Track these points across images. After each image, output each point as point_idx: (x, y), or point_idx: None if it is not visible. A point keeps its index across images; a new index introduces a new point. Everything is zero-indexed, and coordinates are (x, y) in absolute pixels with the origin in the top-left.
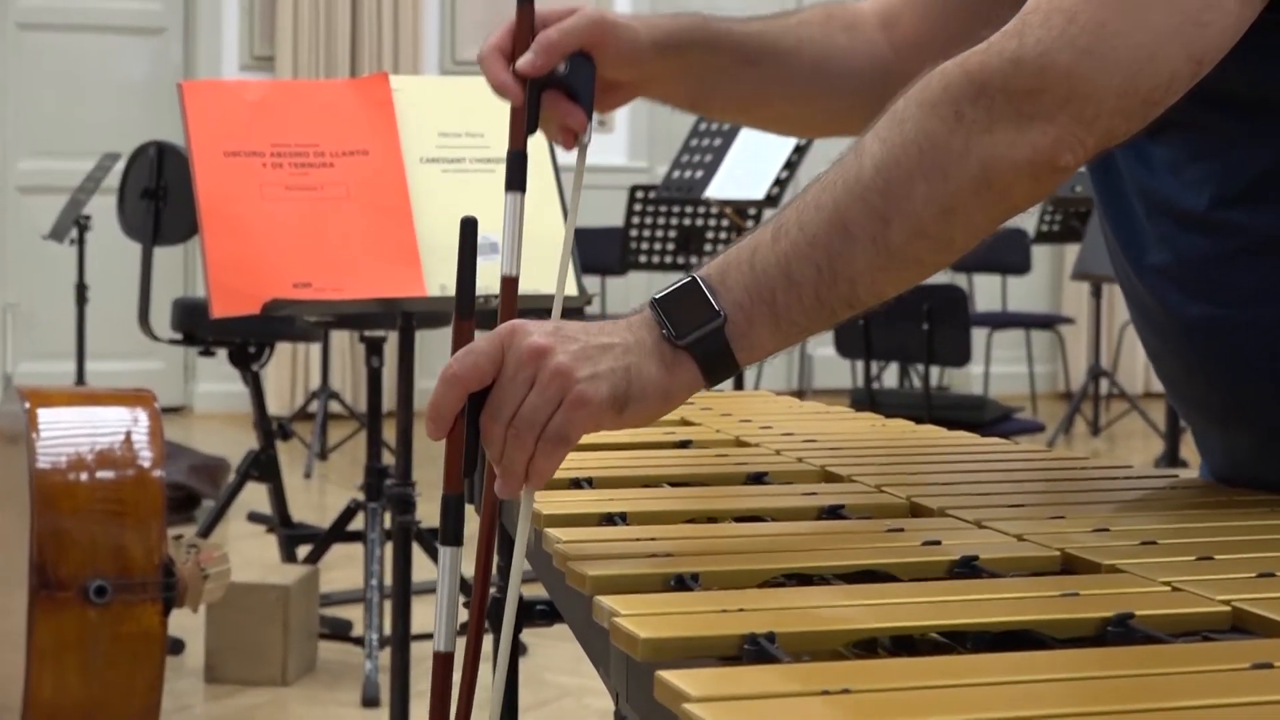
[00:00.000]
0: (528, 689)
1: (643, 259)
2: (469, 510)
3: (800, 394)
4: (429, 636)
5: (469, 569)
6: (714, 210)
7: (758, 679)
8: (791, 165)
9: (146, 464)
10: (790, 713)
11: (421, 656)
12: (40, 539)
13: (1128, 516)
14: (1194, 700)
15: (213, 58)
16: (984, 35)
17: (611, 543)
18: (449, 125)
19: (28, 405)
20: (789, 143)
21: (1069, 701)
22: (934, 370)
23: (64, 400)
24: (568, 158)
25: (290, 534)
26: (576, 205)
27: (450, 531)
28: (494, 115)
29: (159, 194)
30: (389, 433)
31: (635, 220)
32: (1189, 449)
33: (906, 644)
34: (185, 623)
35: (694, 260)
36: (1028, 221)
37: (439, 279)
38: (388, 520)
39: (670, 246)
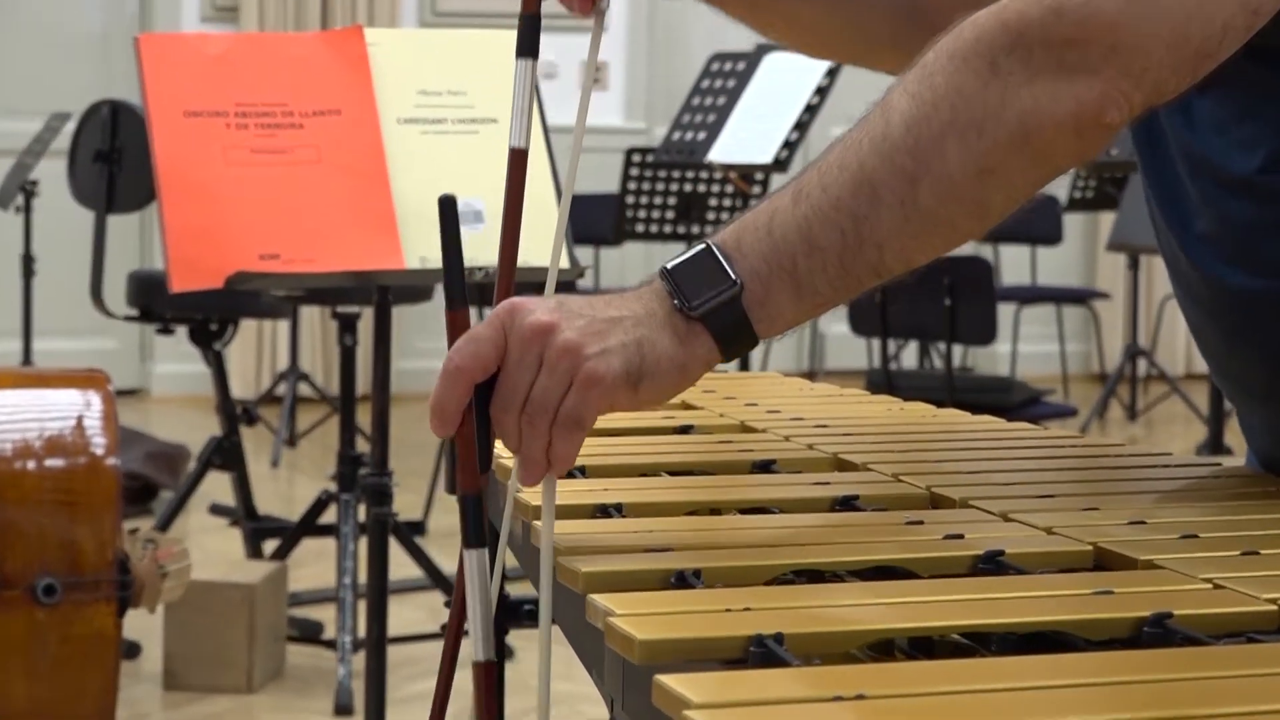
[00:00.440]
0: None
1: (640, 228)
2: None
3: (811, 375)
4: (406, 639)
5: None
6: (717, 175)
7: (764, 683)
8: (802, 126)
9: (100, 451)
10: None
11: (398, 661)
12: None
13: (1167, 508)
14: (1238, 707)
15: (171, 9)
16: None
17: (606, 536)
18: (429, 83)
19: None
20: (799, 102)
21: (1102, 708)
22: (956, 349)
23: (9, 382)
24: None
25: (256, 527)
26: (587, 98)
27: (472, 533)
28: (478, 72)
29: (113, 157)
30: (364, 418)
31: (632, 186)
32: (1234, 435)
33: (926, 646)
34: (141, 624)
35: (695, 230)
36: (1059, 188)
37: (418, 250)
38: (362, 513)
39: (670, 215)
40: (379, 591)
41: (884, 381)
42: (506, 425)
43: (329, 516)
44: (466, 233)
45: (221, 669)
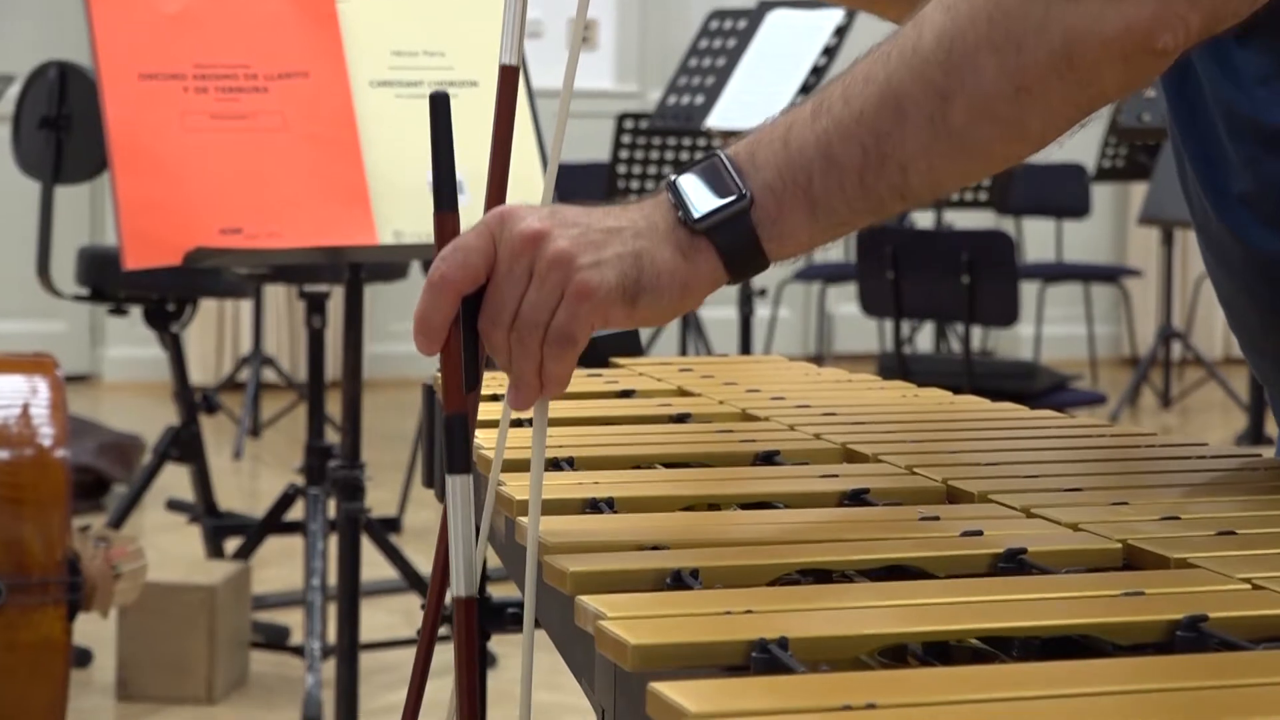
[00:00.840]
0: (497, 707)
1: (633, 200)
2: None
3: (818, 359)
4: (380, 645)
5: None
6: (716, 143)
7: (768, 692)
8: (808, 89)
9: (47, 443)
10: None
11: (372, 669)
12: None
13: (1202, 502)
14: (1277, 716)
15: None
16: None
17: (597, 533)
18: (404, 42)
19: None
20: (805, 63)
21: (1131, 717)
22: (976, 331)
23: None
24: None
25: (217, 525)
26: (575, 58)
27: (458, 457)
28: (457, 31)
29: (61, 124)
30: (333, 406)
31: (624, 154)
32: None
33: (942, 651)
34: (93, 630)
35: None
36: (1087, 155)
37: (392, 224)
38: (332, 509)
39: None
40: (350, 594)
41: (897, 366)
42: (495, 341)
43: (296, 513)
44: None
45: (180, 678)
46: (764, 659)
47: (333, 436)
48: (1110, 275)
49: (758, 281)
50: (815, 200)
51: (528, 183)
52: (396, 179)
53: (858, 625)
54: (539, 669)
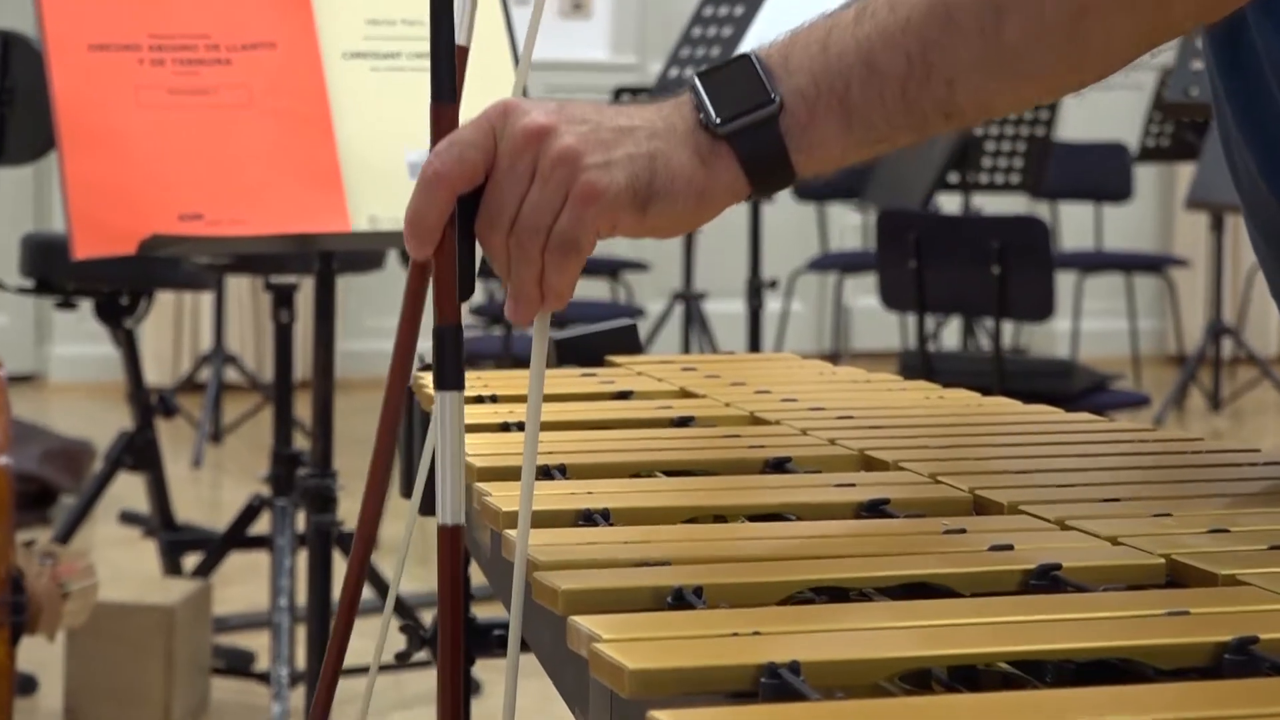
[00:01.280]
0: None
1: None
2: (403, 509)
3: (834, 357)
4: (354, 672)
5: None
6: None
7: None
8: None
9: None
10: None
11: (345, 698)
12: None
13: (1254, 514)
14: None
15: None
16: None
17: (591, 548)
18: (379, 10)
19: None
20: None
21: None
22: (1007, 326)
23: None
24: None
25: (174, 539)
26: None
27: (449, 373)
28: None
29: (3, 99)
30: (302, 408)
31: None
32: None
33: (968, 676)
34: (39, 654)
35: None
36: (1129, 134)
37: (367, 208)
38: (301, 522)
39: None
40: (321, 615)
41: (920, 364)
42: (493, 246)
43: (261, 526)
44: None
45: (133, 706)
46: (774, 685)
47: (302, 442)
48: (1154, 265)
49: (768, 272)
50: (851, 110)
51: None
52: (372, 160)
53: (877, 648)
54: (528, 696)
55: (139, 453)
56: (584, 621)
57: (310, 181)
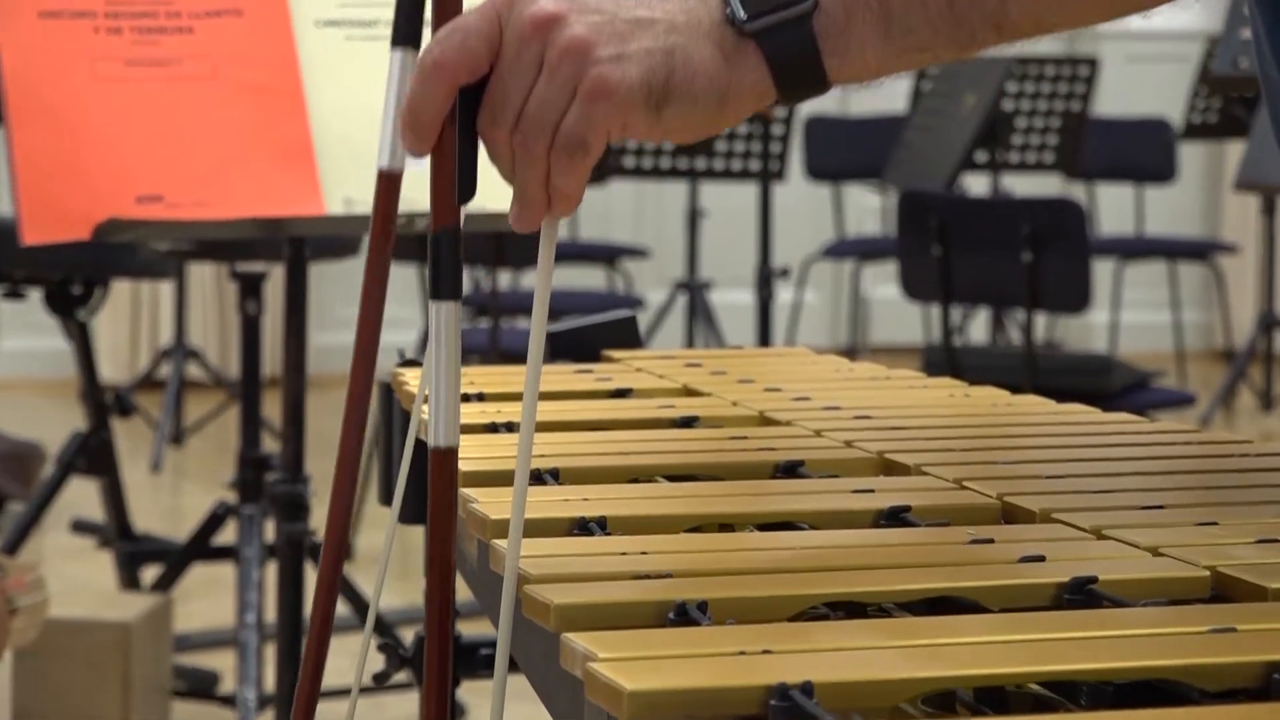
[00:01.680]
0: None
1: (629, 162)
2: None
3: (851, 352)
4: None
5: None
6: None
7: None
8: None
9: None
10: None
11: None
12: None
13: None
14: None
15: None
16: None
17: (587, 559)
18: None
19: None
20: None
21: None
22: (1039, 318)
23: None
24: None
25: (132, 550)
26: None
27: (444, 280)
28: None
29: None
30: (271, 408)
31: None
32: None
33: (996, 699)
34: None
35: (701, 165)
36: (1173, 109)
37: (342, 190)
38: (270, 531)
39: (668, 145)
40: (291, 633)
41: (945, 360)
42: (496, 143)
43: (227, 536)
44: (413, 166)
45: None
46: (784, 708)
47: (271, 444)
48: (1200, 251)
49: (779, 259)
50: (891, 15)
51: None
52: (347, 137)
53: (897, 668)
54: (518, 717)
55: (93, 455)
56: (578, 639)
57: (280, 160)
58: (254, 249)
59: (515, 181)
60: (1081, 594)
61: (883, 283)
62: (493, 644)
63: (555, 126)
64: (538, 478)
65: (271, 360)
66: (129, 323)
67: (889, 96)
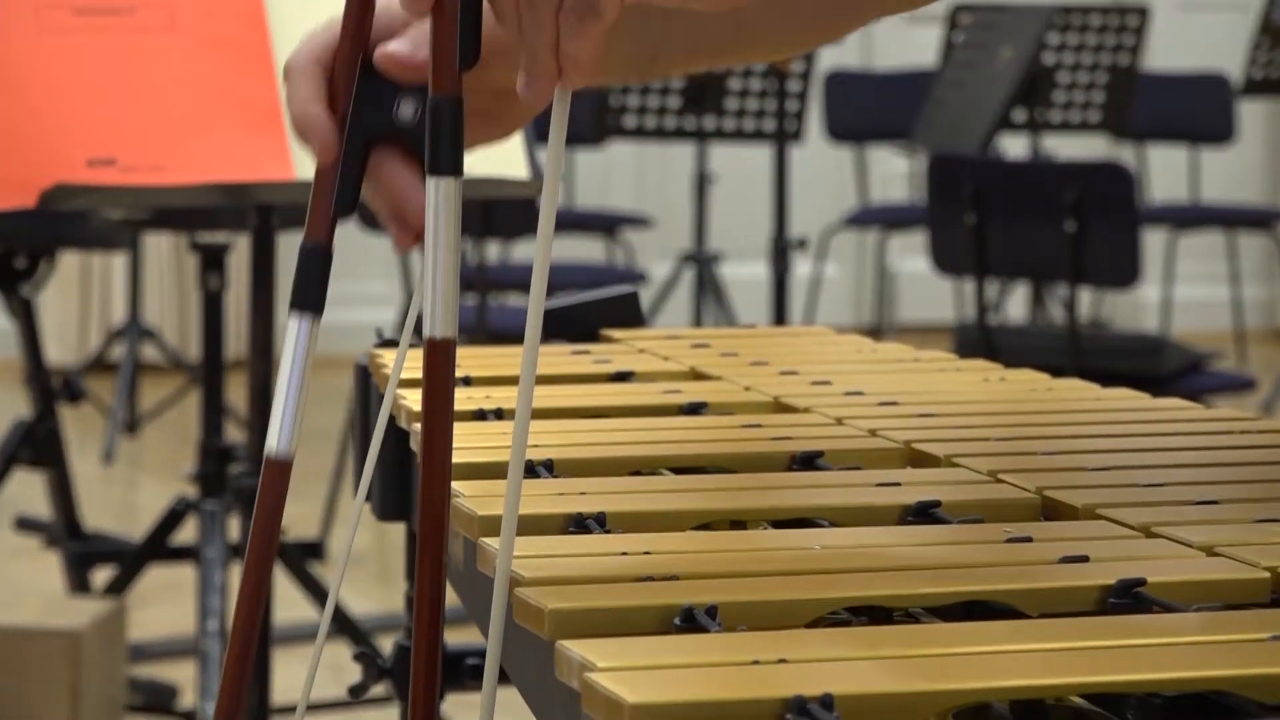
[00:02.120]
0: None
1: (629, 122)
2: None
3: (876, 331)
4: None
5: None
6: None
7: None
8: None
9: None
10: None
11: None
12: None
13: None
14: None
15: None
16: None
17: (584, 560)
18: None
19: None
20: None
21: None
22: (1084, 294)
23: None
24: None
25: (82, 550)
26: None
27: (446, 155)
28: None
29: None
30: (235, 393)
31: None
32: None
33: (1036, 712)
34: None
35: (709, 125)
36: (1231, 63)
37: None
38: (235, 529)
39: (673, 103)
40: (259, 641)
41: (979, 340)
42: (501, 4)
43: (186, 534)
44: None
45: None
46: None
47: (235, 433)
48: (1262, 220)
49: (796, 229)
50: None
51: None
52: None
53: (925, 679)
54: None
55: (38, 445)
56: (575, 647)
57: (246, 121)
58: (217, 218)
59: (523, 48)
60: (1128, 598)
61: (910, 255)
62: (480, 653)
63: None
64: (530, 470)
65: (236, 341)
66: (78, 299)
67: (918, 49)
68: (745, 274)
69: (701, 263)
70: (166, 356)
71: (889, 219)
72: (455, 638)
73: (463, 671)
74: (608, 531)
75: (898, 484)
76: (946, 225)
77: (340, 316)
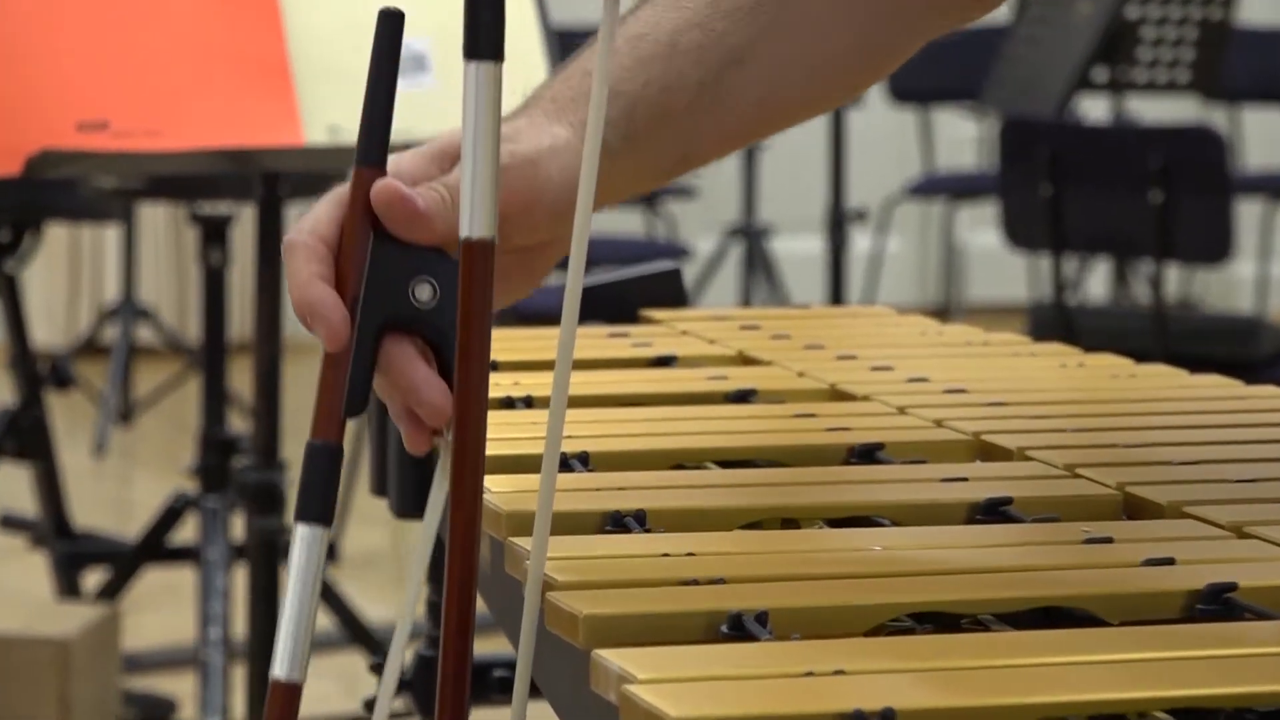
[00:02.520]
0: None
1: None
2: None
3: (943, 312)
4: None
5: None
6: None
7: None
8: None
9: None
10: None
11: None
12: None
13: None
14: None
15: None
16: None
17: (622, 561)
18: None
19: None
20: None
21: None
22: (1171, 271)
23: None
24: None
25: (71, 551)
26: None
27: (487, 43)
28: None
29: None
30: (240, 379)
31: None
32: None
33: None
34: None
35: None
36: None
37: (325, 116)
38: (239, 528)
39: None
40: (264, 650)
41: (1056, 321)
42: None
43: (186, 533)
44: (404, 86)
45: None
46: None
47: (239, 423)
48: None
49: (854, 199)
50: None
51: (525, 59)
52: (332, 55)
53: (996, 691)
54: None
55: (24, 436)
56: (613, 657)
57: (249, 81)
58: (218, 187)
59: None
60: (1218, 604)
61: (980, 227)
62: (509, 663)
63: None
64: (563, 463)
65: (239, 322)
66: (67, 276)
67: None
68: (799, 249)
69: (750, 236)
70: (164, 339)
71: (957, 188)
72: (482, 647)
73: (490, 684)
74: (648, 531)
75: (965, 479)
76: (1020, 195)
77: None
